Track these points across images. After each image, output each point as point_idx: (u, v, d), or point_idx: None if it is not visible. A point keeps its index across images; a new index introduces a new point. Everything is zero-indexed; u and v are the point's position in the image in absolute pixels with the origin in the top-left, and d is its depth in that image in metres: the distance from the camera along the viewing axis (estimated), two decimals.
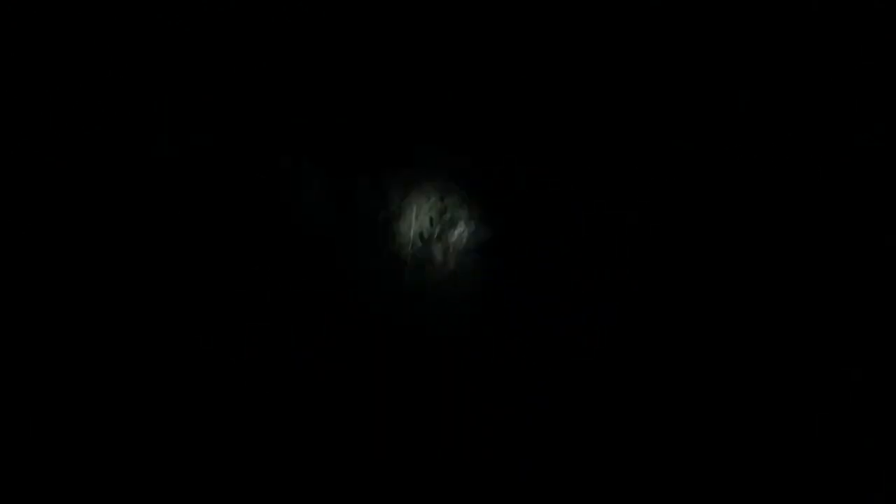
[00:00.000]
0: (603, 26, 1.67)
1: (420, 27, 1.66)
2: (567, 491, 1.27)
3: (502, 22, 1.69)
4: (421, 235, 1.49)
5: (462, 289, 1.45)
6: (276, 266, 1.50)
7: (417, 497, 1.27)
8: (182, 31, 1.65)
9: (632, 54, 1.67)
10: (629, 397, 1.34)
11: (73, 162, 1.59)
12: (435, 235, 1.48)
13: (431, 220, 1.47)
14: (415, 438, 1.32)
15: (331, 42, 1.66)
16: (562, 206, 1.64)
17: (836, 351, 1.39)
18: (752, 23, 1.62)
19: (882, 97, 1.57)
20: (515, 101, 1.65)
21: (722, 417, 1.35)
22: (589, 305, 1.50)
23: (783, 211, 1.53)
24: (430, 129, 1.67)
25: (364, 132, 1.63)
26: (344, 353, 1.41)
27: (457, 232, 1.52)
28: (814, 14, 1.59)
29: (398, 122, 1.67)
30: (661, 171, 1.60)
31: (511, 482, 1.28)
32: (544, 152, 1.84)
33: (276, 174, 1.56)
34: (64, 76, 1.65)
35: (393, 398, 1.35)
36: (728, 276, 1.51)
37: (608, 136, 1.65)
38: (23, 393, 1.34)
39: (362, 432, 1.32)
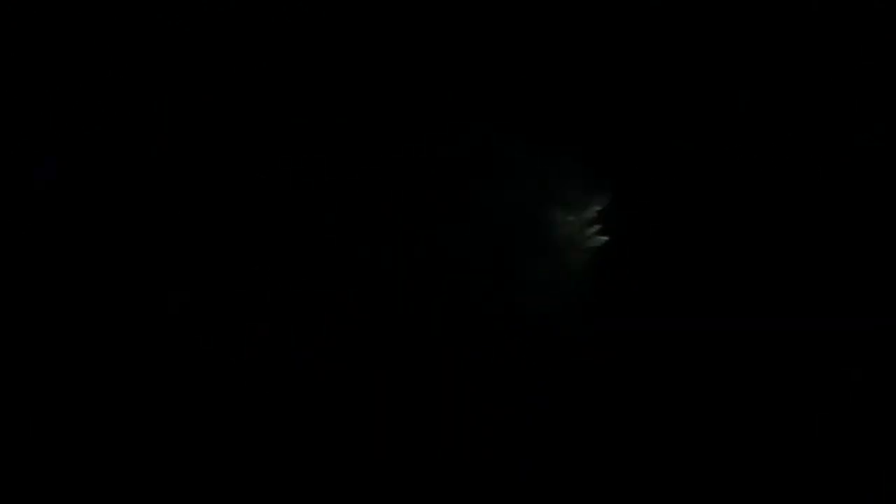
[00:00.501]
0: (602, 26, 1.67)
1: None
2: (567, 491, 1.27)
3: (489, 19, 1.68)
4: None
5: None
6: (276, 266, 1.50)
7: (417, 497, 1.26)
8: (182, 30, 1.64)
9: (630, 54, 1.66)
10: (629, 397, 1.34)
11: (73, 162, 1.58)
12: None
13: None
14: (415, 438, 1.32)
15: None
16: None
17: (836, 351, 1.38)
18: (752, 23, 1.62)
19: (882, 97, 1.56)
20: (510, 99, 1.65)
21: (722, 417, 1.35)
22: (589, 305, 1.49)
23: (783, 211, 1.53)
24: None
25: (368, 125, 1.63)
26: (344, 353, 1.41)
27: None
28: (814, 14, 1.59)
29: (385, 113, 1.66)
30: (661, 171, 1.59)
31: (511, 482, 1.27)
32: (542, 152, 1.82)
33: (275, 173, 1.55)
34: (63, 76, 1.64)
35: (393, 398, 1.35)
36: (728, 275, 1.51)
37: (606, 135, 1.64)
38: (15, 396, 1.34)
39: (362, 432, 1.32)
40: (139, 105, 1.59)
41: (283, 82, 1.61)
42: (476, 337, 1.39)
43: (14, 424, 1.34)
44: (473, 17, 1.63)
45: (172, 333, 1.40)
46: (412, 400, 1.34)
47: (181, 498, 1.27)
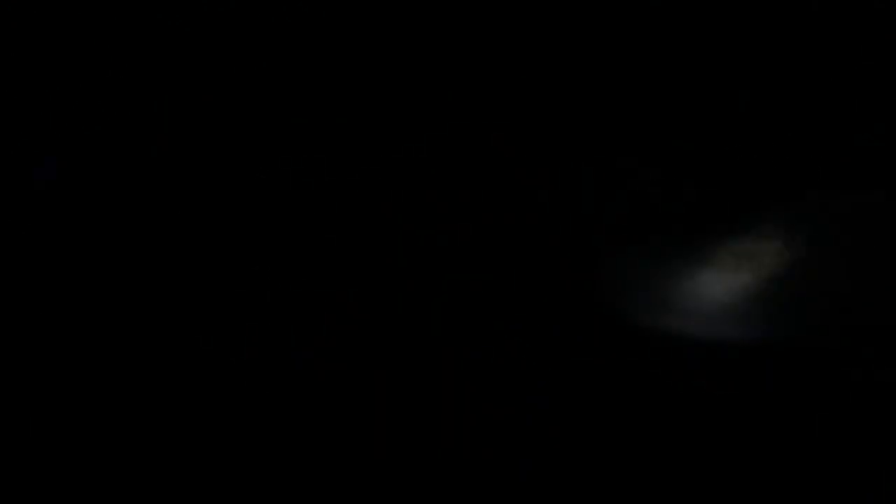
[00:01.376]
0: (600, 26, 1.67)
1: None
2: (567, 491, 1.27)
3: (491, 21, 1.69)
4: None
5: None
6: (276, 266, 1.50)
7: (417, 497, 1.26)
8: (182, 30, 1.65)
9: (629, 53, 1.67)
10: (629, 396, 1.34)
11: (73, 162, 1.59)
12: None
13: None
14: (415, 438, 1.32)
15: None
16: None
17: (836, 351, 1.38)
18: (752, 23, 1.62)
19: (882, 97, 1.56)
20: (504, 101, 1.65)
21: (721, 417, 1.35)
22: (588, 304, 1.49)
23: (783, 211, 1.53)
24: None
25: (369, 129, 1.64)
26: (344, 353, 1.41)
27: None
28: (814, 14, 1.59)
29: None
30: (660, 172, 1.59)
31: (511, 482, 1.27)
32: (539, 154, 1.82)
33: (275, 173, 1.56)
34: (63, 76, 1.65)
35: (393, 398, 1.35)
36: (727, 275, 1.51)
37: (605, 136, 1.65)
38: (15, 396, 1.34)
39: (362, 432, 1.31)
40: (139, 105, 1.60)
41: (283, 82, 1.61)
42: (476, 337, 1.40)
43: (14, 424, 1.34)
44: (475, 17, 1.63)
45: (172, 333, 1.40)
46: (412, 400, 1.35)
47: (181, 498, 1.28)
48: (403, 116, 1.59)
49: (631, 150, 1.59)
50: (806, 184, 1.58)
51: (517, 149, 1.58)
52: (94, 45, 1.61)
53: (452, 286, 1.47)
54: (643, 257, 1.53)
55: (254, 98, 1.59)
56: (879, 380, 1.36)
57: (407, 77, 1.61)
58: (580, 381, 1.40)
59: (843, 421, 1.36)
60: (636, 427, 1.39)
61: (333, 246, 1.50)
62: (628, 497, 1.33)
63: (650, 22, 1.63)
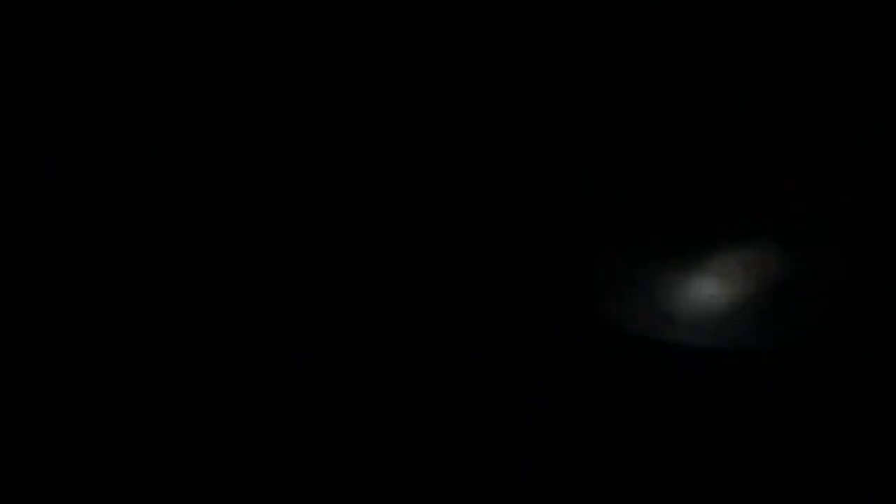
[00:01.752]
0: (599, 26, 1.67)
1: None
2: (567, 491, 1.26)
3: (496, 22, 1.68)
4: None
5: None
6: (276, 265, 1.50)
7: (418, 497, 1.26)
8: (182, 30, 1.65)
9: (629, 54, 1.66)
10: (629, 396, 1.33)
11: (73, 162, 1.59)
12: None
13: None
14: (415, 438, 1.31)
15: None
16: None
17: (836, 351, 1.38)
18: (752, 23, 1.62)
19: (882, 97, 1.56)
20: (503, 100, 1.65)
21: (721, 417, 1.34)
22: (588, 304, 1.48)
23: (783, 211, 1.53)
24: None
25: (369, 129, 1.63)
26: (344, 353, 1.41)
27: None
28: (814, 14, 1.59)
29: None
30: (660, 172, 1.59)
31: (511, 482, 1.26)
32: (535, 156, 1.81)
33: (275, 173, 1.55)
34: (63, 76, 1.64)
35: (393, 398, 1.34)
36: (727, 275, 1.51)
37: (605, 136, 1.64)
38: (15, 396, 1.33)
39: (362, 432, 1.31)
40: (139, 105, 1.59)
41: (283, 82, 1.61)
42: (476, 337, 1.39)
43: (14, 424, 1.34)
44: (475, 17, 1.63)
45: (172, 333, 1.40)
46: (412, 400, 1.35)
47: (181, 497, 1.28)
48: (403, 116, 1.58)
49: (631, 150, 1.59)
50: (806, 184, 1.58)
51: (517, 149, 1.58)
52: (93, 45, 1.61)
53: (452, 286, 1.47)
54: (643, 258, 1.53)
55: (254, 98, 1.59)
56: (879, 380, 1.36)
57: (407, 77, 1.61)
58: (580, 381, 1.40)
59: (843, 421, 1.36)
60: (635, 427, 1.39)
61: (333, 246, 1.50)
62: (627, 497, 1.33)
63: (650, 22, 1.63)
